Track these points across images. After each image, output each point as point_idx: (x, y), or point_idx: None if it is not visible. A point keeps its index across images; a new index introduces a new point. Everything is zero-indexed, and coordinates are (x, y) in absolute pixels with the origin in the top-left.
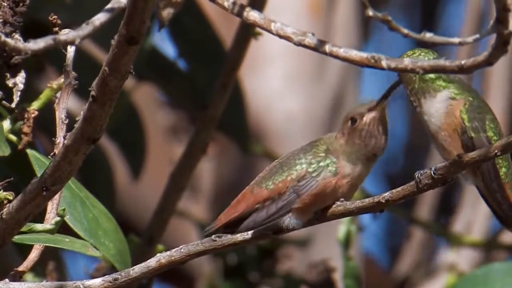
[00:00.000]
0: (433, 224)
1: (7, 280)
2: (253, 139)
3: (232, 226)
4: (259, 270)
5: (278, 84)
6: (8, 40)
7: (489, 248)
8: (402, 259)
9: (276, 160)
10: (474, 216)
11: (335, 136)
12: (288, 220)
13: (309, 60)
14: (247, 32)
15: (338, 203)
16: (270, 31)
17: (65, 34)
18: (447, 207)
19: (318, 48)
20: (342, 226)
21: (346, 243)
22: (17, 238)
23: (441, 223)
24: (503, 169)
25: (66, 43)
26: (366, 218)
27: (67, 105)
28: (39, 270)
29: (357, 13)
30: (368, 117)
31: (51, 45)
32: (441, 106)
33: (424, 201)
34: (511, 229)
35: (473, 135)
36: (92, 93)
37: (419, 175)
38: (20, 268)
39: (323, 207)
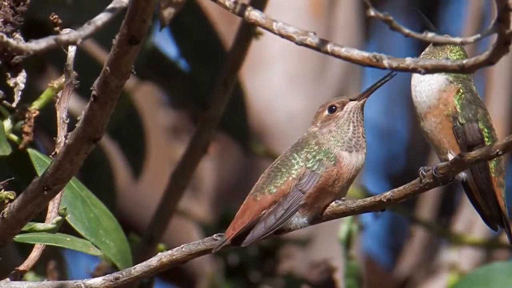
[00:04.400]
0: (434, 223)
1: (8, 279)
2: (254, 139)
3: (239, 238)
4: (260, 270)
5: (279, 84)
6: (10, 40)
7: (490, 247)
8: (404, 258)
9: (269, 167)
10: (475, 215)
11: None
12: (296, 220)
13: (310, 60)
14: (249, 32)
15: (340, 202)
16: (271, 31)
17: (67, 34)
18: (448, 207)
19: (319, 47)
20: (343, 226)
21: (347, 242)
22: (18, 237)
23: (442, 223)
24: (493, 163)
25: (68, 43)
26: (367, 217)
27: (68, 104)
28: (40, 269)
29: (358, 13)
30: (349, 106)
31: (52, 45)
32: (434, 83)
33: (425, 200)
34: (495, 227)
35: (464, 122)
36: (93, 92)
37: (423, 171)
38: (21, 268)
39: (328, 201)
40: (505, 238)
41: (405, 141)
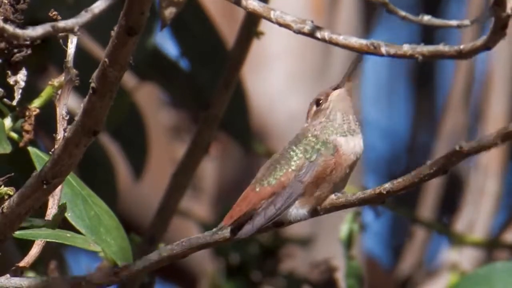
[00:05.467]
0: (435, 223)
1: (8, 275)
2: (256, 138)
3: (236, 229)
4: (262, 269)
5: (280, 83)
6: (7, 26)
7: (491, 247)
8: (404, 258)
9: (268, 161)
10: (476, 215)
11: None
12: (295, 211)
13: (311, 59)
14: (250, 31)
15: (339, 194)
16: (269, 19)
17: (64, 21)
18: (449, 206)
19: (317, 35)
20: (344, 226)
21: (348, 242)
22: (18, 233)
23: (443, 222)
24: None
25: (65, 31)
26: (368, 217)
27: (68, 102)
28: (41, 269)
29: (359, 11)
30: (333, 95)
31: (49, 32)
32: None
33: (426, 200)
34: None
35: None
36: (92, 85)
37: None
38: (21, 264)
39: (327, 191)
40: (506, 237)
41: (406, 141)
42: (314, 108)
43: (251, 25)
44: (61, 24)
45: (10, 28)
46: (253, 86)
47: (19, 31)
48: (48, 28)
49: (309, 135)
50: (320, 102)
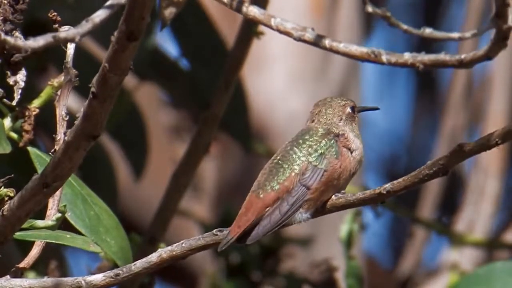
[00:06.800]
0: (435, 223)
1: (8, 276)
2: (256, 138)
3: (243, 236)
4: (262, 269)
5: (280, 84)
6: (8, 38)
7: (491, 247)
8: (404, 258)
9: (270, 162)
10: (476, 215)
11: (329, 122)
12: (300, 215)
13: (311, 60)
14: (250, 31)
15: (339, 195)
16: (270, 27)
17: (65, 31)
18: (449, 206)
19: (318, 43)
20: (344, 226)
21: (348, 242)
22: (18, 234)
23: (443, 222)
24: None
25: (66, 41)
26: (368, 217)
27: (68, 103)
28: (41, 269)
29: (359, 13)
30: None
31: (50, 43)
32: None
33: (426, 200)
34: None
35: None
36: (92, 89)
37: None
38: (21, 265)
39: (331, 195)
40: (506, 237)
41: (406, 141)
42: (349, 110)
43: (251, 25)
44: (63, 34)
45: (11, 40)
46: (253, 86)
47: (20, 43)
48: (49, 38)
49: (320, 133)
50: (355, 109)
